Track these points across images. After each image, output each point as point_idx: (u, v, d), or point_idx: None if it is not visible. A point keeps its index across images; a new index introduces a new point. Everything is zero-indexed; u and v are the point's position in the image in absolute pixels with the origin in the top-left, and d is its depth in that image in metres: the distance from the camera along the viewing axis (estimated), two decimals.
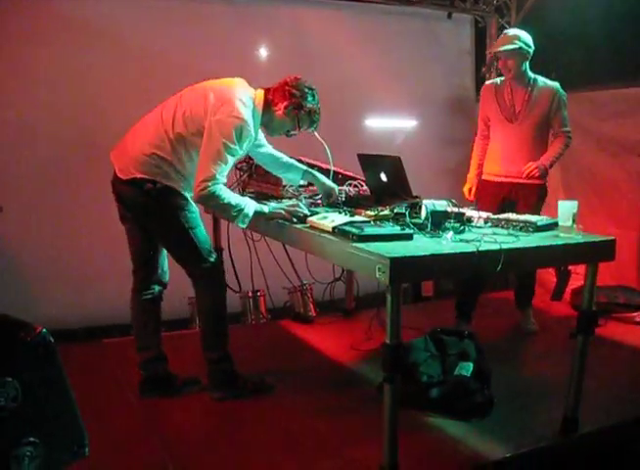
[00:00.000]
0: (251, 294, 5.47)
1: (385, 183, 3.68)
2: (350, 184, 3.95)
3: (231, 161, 3.32)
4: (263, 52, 6.19)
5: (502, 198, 4.68)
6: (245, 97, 3.39)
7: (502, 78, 4.77)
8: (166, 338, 4.01)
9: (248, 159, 4.27)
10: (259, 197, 3.91)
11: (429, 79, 6.91)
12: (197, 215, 3.58)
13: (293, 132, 3.56)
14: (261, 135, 3.81)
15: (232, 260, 4.46)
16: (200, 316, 3.77)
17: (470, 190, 4.94)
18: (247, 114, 3.33)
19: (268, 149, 3.90)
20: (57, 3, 5.31)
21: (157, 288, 3.80)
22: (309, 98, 3.48)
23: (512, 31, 4.63)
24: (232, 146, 3.26)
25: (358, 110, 6.65)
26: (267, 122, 3.55)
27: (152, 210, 3.51)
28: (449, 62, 7.05)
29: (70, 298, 5.43)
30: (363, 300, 5.36)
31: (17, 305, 5.08)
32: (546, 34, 6.29)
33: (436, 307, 5.89)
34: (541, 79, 4.65)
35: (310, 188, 3.95)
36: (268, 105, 3.49)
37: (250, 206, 3.39)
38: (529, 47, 4.51)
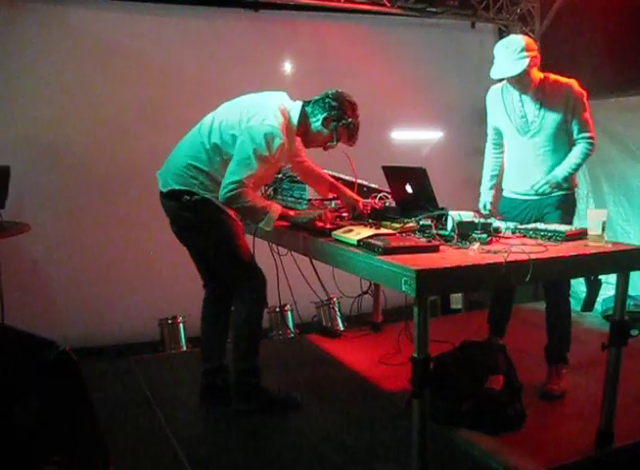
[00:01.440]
0: (278, 309, 5.46)
1: (410, 195, 3.64)
2: (376, 196, 3.92)
3: (260, 167, 3.31)
4: (286, 67, 6.23)
5: (528, 215, 4.03)
6: (279, 107, 3.41)
7: (504, 84, 4.04)
8: (136, 362, 4.04)
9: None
10: None
11: (453, 90, 6.89)
12: (237, 229, 3.59)
13: (330, 144, 3.55)
14: (304, 151, 3.85)
15: None
16: (234, 326, 3.74)
17: (485, 206, 4.31)
18: (279, 122, 3.34)
19: (307, 163, 3.92)
20: (89, 23, 5.39)
21: (225, 300, 3.81)
22: (349, 111, 3.48)
23: (511, 43, 3.75)
24: (262, 153, 3.28)
25: (383, 122, 6.63)
26: (304, 133, 3.56)
27: (190, 222, 3.53)
28: (473, 72, 7.00)
29: (98, 315, 5.48)
30: (391, 313, 5.31)
31: (43, 323, 5.16)
32: (571, 41, 6.26)
33: (466, 320, 5.82)
34: (553, 78, 3.90)
35: (337, 201, 3.94)
36: (306, 116, 3.50)
37: (275, 209, 3.40)
38: (535, 50, 3.77)
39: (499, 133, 4.25)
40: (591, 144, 3.92)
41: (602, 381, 3.17)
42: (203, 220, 3.50)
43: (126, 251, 5.55)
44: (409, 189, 3.62)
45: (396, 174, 3.78)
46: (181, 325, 5.50)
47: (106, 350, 5.32)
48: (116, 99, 5.48)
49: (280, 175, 4.21)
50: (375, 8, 6.22)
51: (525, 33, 6.88)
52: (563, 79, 3.91)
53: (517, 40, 3.76)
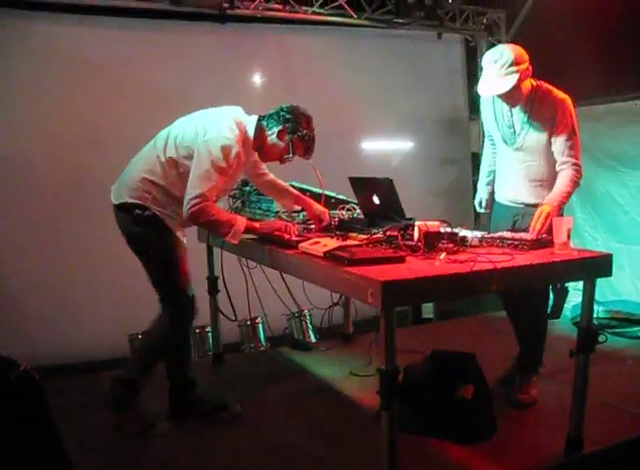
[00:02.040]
0: (249, 322, 5.43)
1: (377, 206, 3.65)
2: (343, 208, 3.92)
3: (220, 180, 3.31)
4: (254, 80, 6.24)
5: (514, 222, 3.65)
6: (235, 120, 3.42)
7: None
8: (105, 378, 4.03)
9: (240, 186, 4.26)
10: None
11: (421, 100, 6.93)
12: (180, 253, 3.56)
13: (286, 157, 3.56)
14: (263, 164, 3.85)
15: (227, 289, 4.41)
16: (145, 336, 3.74)
17: (480, 203, 4.24)
18: (235, 135, 3.35)
19: (269, 176, 3.92)
20: (56, 37, 5.36)
21: None
22: (304, 124, 3.48)
23: (499, 56, 3.49)
24: (221, 165, 3.28)
25: (351, 133, 6.66)
26: (260, 147, 3.56)
27: (138, 237, 3.51)
28: (441, 82, 7.08)
29: (67, 331, 5.42)
30: (362, 324, 5.30)
31: (11, 340, 5.10)
32: (537, 50, 6.30)
33: (437, 329, 5.84)
34: (545, 88, 3.66)
35: (303, 213, 3.93)
36: (262, 129, 3.51)
37: (240, 222, 3.39)
38: (526, 61, 3.53)
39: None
40: (576, 170, 3.62)
41: (571, 387, 3.17)
42: (149, 237, 3.48)
43: (95, 266, 5.51)
44: (376, 200, 3.63)
45: (363, 185, 3.78)
46: None
47: (76, 366, 5.25)
48: (83, 113, 5.45)
49: (247, 188, 4.20)
50: (341, 20, 6.24)
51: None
52: (554, 91, 3.67)
53: (506, 53, 3.49)
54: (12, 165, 5.27)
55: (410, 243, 3.08)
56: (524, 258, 2.95)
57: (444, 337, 5.07)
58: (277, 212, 3.92)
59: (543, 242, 3.21)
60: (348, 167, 4.46)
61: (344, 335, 5.30)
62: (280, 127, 3.46)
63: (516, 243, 3.19)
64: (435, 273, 2.66)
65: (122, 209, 3.48)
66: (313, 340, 5.45)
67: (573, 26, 5.79)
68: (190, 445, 3.48)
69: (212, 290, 4.62)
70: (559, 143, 3.63)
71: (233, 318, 4.57)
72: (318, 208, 3.79)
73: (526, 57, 3.55)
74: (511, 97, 3.59)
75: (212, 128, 3.35)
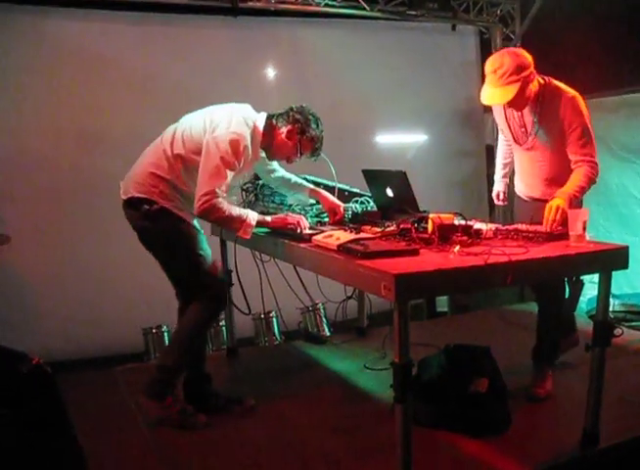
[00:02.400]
0: (262, 316, 5.44)
1: (391, 198, 3.63)
2: (357, 201, 3.90)
3: (229, 176, 3.32)
4: (267, 73, 6.20)
5: (537, 215, 3.46)
6: (243, 117, 3.42)
7: None
8: (120, 372, 4.18)
9: (253, 179, 4.25)
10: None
11: (435, 93, 6.89)
12: (198, 239, 3.56)
13: (293, 158, 3.58)
14: (275, 162, 3.87)
15: (240, 282, 4.41)
16: (180, 322, 3.70)
17: (497, 195, 4.26)
18: (244, 131, 3.36)
19: (280, 173, 3.92)
20: (66, 32, 5.36)
21: None
22: (313, 125, 3.50)
23: (498, 65, 3.42)
24: (230, 160, 3.29)
25: (365, 126, 6.63)
26: (268, 146, 3.57)
27: (149, 232, 3.52)
28: (455, 74, 7.02)
29: (81, 327, 5.45)
30: (377, 317, 5.28)
31: (26, 336, 5.13)
32: (552, 41, 6.27)
33: (452, 323, 5.82)
34: (554, 85, 3.59)
35: (317, 207, 3.91)
36: (271, 128, 3.52)
37: (251, 216, 3.40)
38: (528, 67, 3.43)
39: None
40: (593, 167, 3.54)
41: (587, 382, 3.14)
42: (162, 230, 3.49)
43: (109, 260, 5.52)
44: (390, 192, 3.61)
45: (377, 178, 3.77)
46: (165, 334, 5.46)
47: (90, 361, 5.26)
48: (96, 108, 5.45)
49: (261, 182, 4.19)
50: (354, 12, 6.21)
51: (507, 35, 6.92)
52: (563, 88, 3.57)
53: (506, 62, 3.40)
54: (25, 161, 5.28)
55: (424, 236, 3.06)
56: (538, 251, 2.93)
57: (459, 330, 5.05)
58: (290, 206, 3.90)
59: (558, 234, 3.18)
60: (363, 161, 4.43)
61: (359, 329, 5.29)
62: (289, 127, 3.48)
63: (531, 235, 3.16)
64: (449, 266, 2.64)
65: (131, 204, 3.49)
66: (327, 334, 5.45)
67: (588, 17, 5.74)
68: (202, 438, 3.48)
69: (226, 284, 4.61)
70: (573, 142, 3.55)
71: (247, 312, 4.55)
72: (333, 200, 3.77)
73: (529, 61, 3.46)
74: (515, 104, 3.52)
75: (221, 124, 3.36)
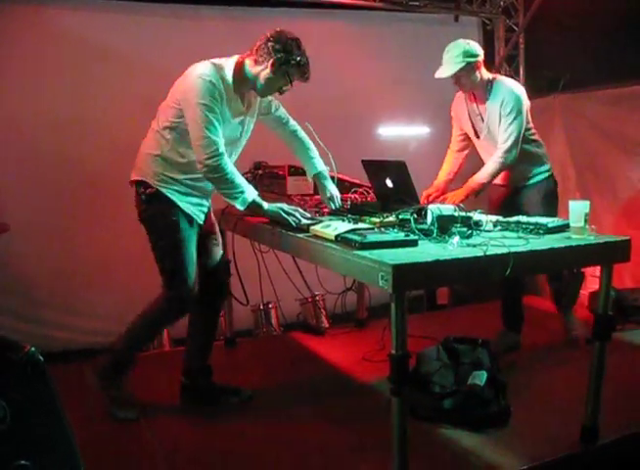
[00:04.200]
0: (262, 307, 5.42)
1: (390, 189, 3.60)
2: (356, 191, 3.87)
3: (215, 119, 3.22)
4: None
5: (505, 200, 4.39)
6: (208, 62, 3.36)
7: None
8: None
9: (253, 169, 4.22)
10: None
11: (437, 84, 6.81)
12: (187, 236, 3.48)
13: (285, 88, 3.46)
14: (281, 110, 3.80)
15: (239, 273, 4.39)
16: (140, 314, 3.65)
17: (429, 196, 4.35)
18: (207, 70, 3.27)
19: (293, 127, 3.83)
20: (59, 20, 5.30)
21: (207, 301, 3.77)
22: (295, 50, 3.35)
23: (453, 48, 4.05)
24: (208, 104, 3.21)
25: (366, 118, 6.57)
26: (255, 83, 3.42)
27: (142, 215, 3.50)
28: None
29: (81, 316, 5.43)
30: (376, 309, 5.26)
31: (25, 325, 5.11)
32: (557, 33, 6.22)
33: (452, 315, 5.79)
34: (499, 79, 4.17)
35: (316, 197, 3.88)
36: (251, 66, 3.39)
37: (250, 191, 3.35)
38: (476, 56, 4.03)
39: (464, 136, 4.49)
40: (506, 157, 4.06)
41: (587, 376, 3.11)
42: (152, 215, 3.45)
43: (109, 250, 5.48)
44: (389, 183, 3.58)
45: (376, 168, 3.74)
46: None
47: (88, 352, 5.23)
48: (98, 99, 5.40)
49: (260, 171, 4.16)
50: (356, 2, 6.16)
51: (509, 27, 6.87)
52: (506, 81, 4.16)
53: (458, 46, 4.03)
54: (25, 151, 5.23)
55: (423, 226, 3.03)
56: (539, 243, 2.90)
57: (459, 323, 5.02)
58: (290, 196, 3.87)
59: (559, 227, 3.16)
60: (364, 152, 4.39)
61: (358, 320, 5.28)
62: (272, 60, 3.31)
63: (531, 227, 3.13)
64: (448, 257, 2.61)
65: (133, 187, 3.50)
66: (326, 325, 5.42)
67: (592, 8, 5.68)
68: (198, 429, 3.48)
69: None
70: (501, 127, 4.06)
71: (245, 303, 4.53)
72: (330, 189, 3.72)
73: (478, 53, 4.06)
74: (459, 82, 4.10)
75: (188, 77, 3.31)
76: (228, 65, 3.38)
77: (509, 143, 4.04)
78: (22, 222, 5.05)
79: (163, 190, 3.40)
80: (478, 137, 4.31)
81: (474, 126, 4.30)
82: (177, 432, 3.46)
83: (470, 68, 4.01)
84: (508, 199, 4.40)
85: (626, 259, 3.01)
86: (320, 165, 3.78)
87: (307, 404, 3.77)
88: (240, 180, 3.33)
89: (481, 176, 4.13)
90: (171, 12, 5.72)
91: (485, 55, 7.08)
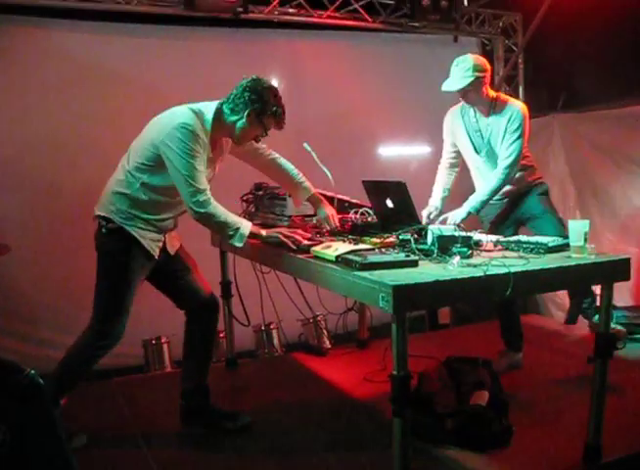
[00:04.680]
0: (263, 327, 5.41)
1: (391, 209, 3.60)
2: (357, 212, 3.88)
3: (198, 165, 3.23)
4: None
5: (505, 212, 4.38)
6: (187, 108, 3.34)
7: (464, 104, 4.31)
8: (118, 383, 4.21)
9: (254, 190, 4.23)
10: (265, 228, 3.84)
11: (437, 104, 6.82)
12: (134, 278, 3.45)
13: (260, 137, 3.48)
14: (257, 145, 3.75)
15: (239, 294, 4.39)
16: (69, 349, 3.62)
17: (429, 215, 4.33)
18: (190, 119, 3.26)
19: (270, 156, 3.82)
20: (70, 44, 5.38)
21: (201, 322, 3.76)
22: (271, 100, 3.35)
23: (462, 62, 4.02)
24: (193, 154, 3.21)
25: (367, 138, 6.62)
26: (231, 132, 3.43)
27: (101, 248, 3.48)
28: None
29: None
30: (378, 329, 5.25)
31: (25, 346, 5.11)
32: (555, 54, 6.26)
33: (454, 335, 5.77)
34: (504, 97, 4.21)
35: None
36: (228, 114, 3.39)
37: (245, 225, 3.35)
38: (485, 71, 4.04)
39: (456, 153, 4.46)
40: (508, 173, 4.10)
41: (589, 394, 3.10)
42: (109, 251, 3.44)
43: None
44: (390, 203, 3.58)
45: (377, 189, 3.74)
46: (165, 345, 5.44)
47: (89, 372, 5.22)
48: (96, 119, 5.45)
49: (261, 192, 4.17)
50: (356, 23, 6.22)
51: (509, 47, 6.92)
52: (512, 101, 4.20)
53: (467, 60, 4.02)
54: (25, 171, 5.27)
55: (423, 247, 3.03)
56: (539, 262, 2.90)
57: (461, 342, 5.01)
58: (290, 217, 3.87)
59: (560, 246, 3.16)
60: (364, 172, 4.43)
61: (359, 340, 5.27)
62: (248, 111, 3.32)
63: (532, 246, 3.13)
64: (448, 277, 2.61)
65: (95, 220, 3.47)
66: (328, 345, 5.41)
67: (591, 29, 5.72)
68: (195, 451, 3.47)
69: (226, 295, 4.60)
70: (505, 143, 4.09)
71: (246, 324, 4.53)
72: (326, 209, 3.72)
73: (487, 68, 4.08)
74: (466, 96, 4.08)
75: (168, 123, 3.28)
76: (207, 111, 3.37)
77: (511, 159, 4.07)
78: (23, 243, 5.07)
79: (127, 227, 3.37)
80: (477, 153, 4.29)
81: (472, 142, 4.30)
82: (176, 454, 3.45)
83: (478, 82, 4.01)
84: (505, 212, 4.40)
85: (627, 278, 3.02)
86: (311, 187, 3.80)
87: (309, 426, 3.75)
88: (232, 218, 3.33)
89: (483, 193, 4.15)
90: (177, 33, 5.77)
91: None
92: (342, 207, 3.90)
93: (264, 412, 3.89)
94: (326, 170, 3.71)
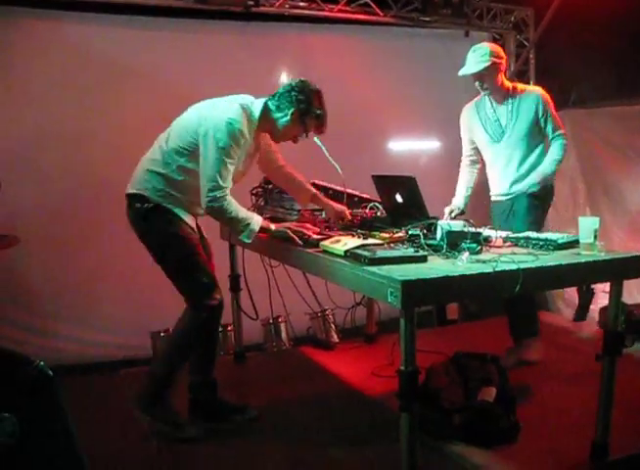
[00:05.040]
0: (271, 321, 5.42)
1: (400, 204, 3.60)
2: (366, 206, 3.88)
3: (230, 164, 3.28)
4: (279, 79, 6.12)
5: (512, 208, 4.41)
6: (239, 104, 3.38)
7: (478, 98, 4.52)
8: (126, 376, 4.24)
9: (263, 183, 4.23)
10: (274, 221, 3.84)
11: (448, 99, 6.83)
12: (191, 242, 3.49)
13: (299, 137, 3.53)
14: (279, 154, 3.83)
15: (248, 287, 4.40)
16: (172, 334, 3.68)
17: (451, 212, 4.44)
18: (237, 115, 3.30)
19: (285, 169, 3.86)
20: (81, 36, 5.38)
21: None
22: (315, 102, 3.43)
23: (480, 48, 4.19)
24: (227, 148, 3.25)
25: (377, 133, 6.60)
26: (272, 129, 3.51)
27: (142, 231, 3.49)
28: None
29: (89, 330, 5.44)
30: (386, 324, 5.24)
31: (34, 339, 5.12)
32: (567, 49, 6.23)
33: (462, 331, 5.77)
34: (521, 86, 4.39)
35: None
36: (269, 111, 3.46)
37: (256, 221, 3.37)
38: (500, 58, 4.18)
39: (475, 149, 4.57)
40: (565, 138, 4.31)
41: (597, 392, 3.09)
42: (155, 230, 3.45)
43: (117, 263, 5.50)
44: (399, 198, 3.58)
45: (386, 184, 3.74)
46: None
47: (98, 365, 5.25)
48: (109, 113, 5.44)
49: (270, 186, 4.17)
50: (367, 17, 6.20)
51: (520, 42, 6.89)
52: (530, 87, 4.46)
53: (483, 46, 4.21)
54: (34, 164, 5.27)
55: (432, 242, 3.03)
56: (548, 259, 2.89)
57: (469, 338, 5.00)
58: (299, 211, 3.88)
59: (569, 242, 3.15)
60: (375, 167, 4.42)
61: (367, 335, 5.27)
62: (293, 109, 3.39)
63: (541, 243, 3.12)
64: (457, 273, 2.60)
65: (128, 201, 3.48)
66: (336, 340, 5.41)
67: (603, 23, 5.69)
68: (207, 444, 3.47)
69: (234, 288, 4.60)
70: (550, 123, 4.26)
71: (254, 317, 4.54)
72: (337, 206, 3.74)
73: (503, 55, 4.23)
74: (482, 79, 4.20)
75: (215, 115, 3.32)
76: (255, 108, 3.43)
77: (562, 130, 4.28)
78: (32, 235, 5.07)
79: (164, 204, 3.41)
80: (496, 142, 4.37)
81: (489, 133, 4.39)
82: (183, 447, 3.44)
83: (494, 68, 4.14)
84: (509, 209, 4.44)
85: (637, 276, 3.01)
86: (312, 189, 3.83)
87: (316, 420, 3.75)
88: (243, 214, 3.36)
89: (551, 163, 4.28)
90: (188, 26, 5.76)
91: None
92: (352, 201, 3.90)
93: (272, 406, 3.90)
94: (335, 165, 3.70)
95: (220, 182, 3.24)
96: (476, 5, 6.57)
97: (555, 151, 4.28)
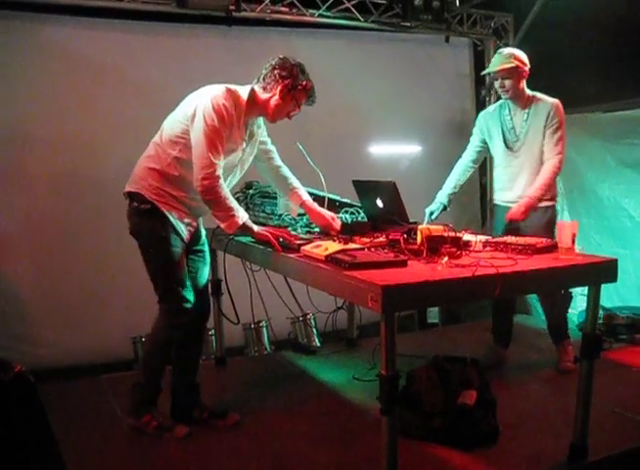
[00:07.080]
0: (252, 325, 5.42)
1: (381, 209, 3.62)
2: (347, 211, 3.89)
3: (219, 142, 3.29)
4: None
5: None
6: (223, 86, 3.41)
7: (500, 103, 4.56)
8: (107, 380, 4.24)
9: (244, 188, 4.24)
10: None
11: (428, 104, 6.90)
12: (178, 252, 3.51)
13: (293, 113, 3.56)
14: (274, 152, 3.84)
15: (229, 292, 4.39)
16: (146, 340, 3.72)
17: (431, 213, 4.47)
18: (222, 94, 3.34)
19: (277, 163, 3.85)
20: (62, 40, 5.37)
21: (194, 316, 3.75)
22: (300, 75, 3.46)
23: (506, 50, 4.37)
24: (217, 127, 3.27)
25: (358, 137, 6.63)
26: (264, 110, 3.52)
27: (135, 227, 3.53)
28: (448, 86, 7.04)
29: (71, 334, 5.42)
30: (367, 328, 5.26)
31: (15, 342, 5.10)
32: (546, 55, 6.27)
33: (443, 334, 5.80)
34: (540, 96, 4.39)
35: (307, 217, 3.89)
36: (261, 93, 3.48)
37: (241, 215, 3.39)
38: (525, 65, 4.30)
39: (483, 149, 4.62)
40: (558, 169, 4.31)
41: (575, 394, 3.13)
42: (145, 230, 3.48)
43: (99, 268, 5.49)
44: (380, 203, 3.60)
45: (367, 189, 3.76)
46: None
47: (80, 369, 5.22)
48: (88, 115, 5.44)
49: (251, 191, 4.18)
50: (348, 23, 6.22)
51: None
52: (547, 97, 4.37)
53: (511, 50, 4.39)
54: (20, 168, 5.26)
55: (413, 247, 3.05)
56: (527, 263, 2.92)
57: (449, 342, 5.04)
58: (280, 216, 3.88)
59: (547, 246, 3.18)
60: (355, 171, 4.43)
61: (348, 339, 5.28)
62: (280, 87, 3.42)
63: (520, 247, 3.15)
64: (437, 278, 2.63)
65: (127, 199, 3.52)
66: (317, 344, 5.42)
67: (582, 30, 5.75)
68: (187, 449, 3.46)
69: (216, 292, 4.60)
70: (549, 137, 4.29)
71: (235, 322, 4.53)
72: (326, 216, 3.66)
73: (527, 62, 4.33)
74: (504, 84, 4.28)
75: (202, 97, 3.36)
76: (242, 91, 3.46)
77: (562, 154, 4.30)
78: (12, 241, 5.06)
79: (158, 204, 3.42)
80: (510, 149, 4.43)
81: (505, 140, 4.45)
82: (165, 451, 3.44)
83: (518, 73, 4.27)
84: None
85: (613, 280, 3.04)
86: (304, 196, 3.81)
87: (297, 424, 3.76)
88: (232, 204, 3.37)
89: (537, 188, 4.27)
90: (170, 30, 5.78)
91: (476, 75, 7.19)
92: (333, 206, 3.91)
93: (253, 410, 3.90)
94: (317, 169, 3.72)
95: (212, 157, 3.25)
96: (456, 11, 6.62)
97: (543, 175, 4.29)
